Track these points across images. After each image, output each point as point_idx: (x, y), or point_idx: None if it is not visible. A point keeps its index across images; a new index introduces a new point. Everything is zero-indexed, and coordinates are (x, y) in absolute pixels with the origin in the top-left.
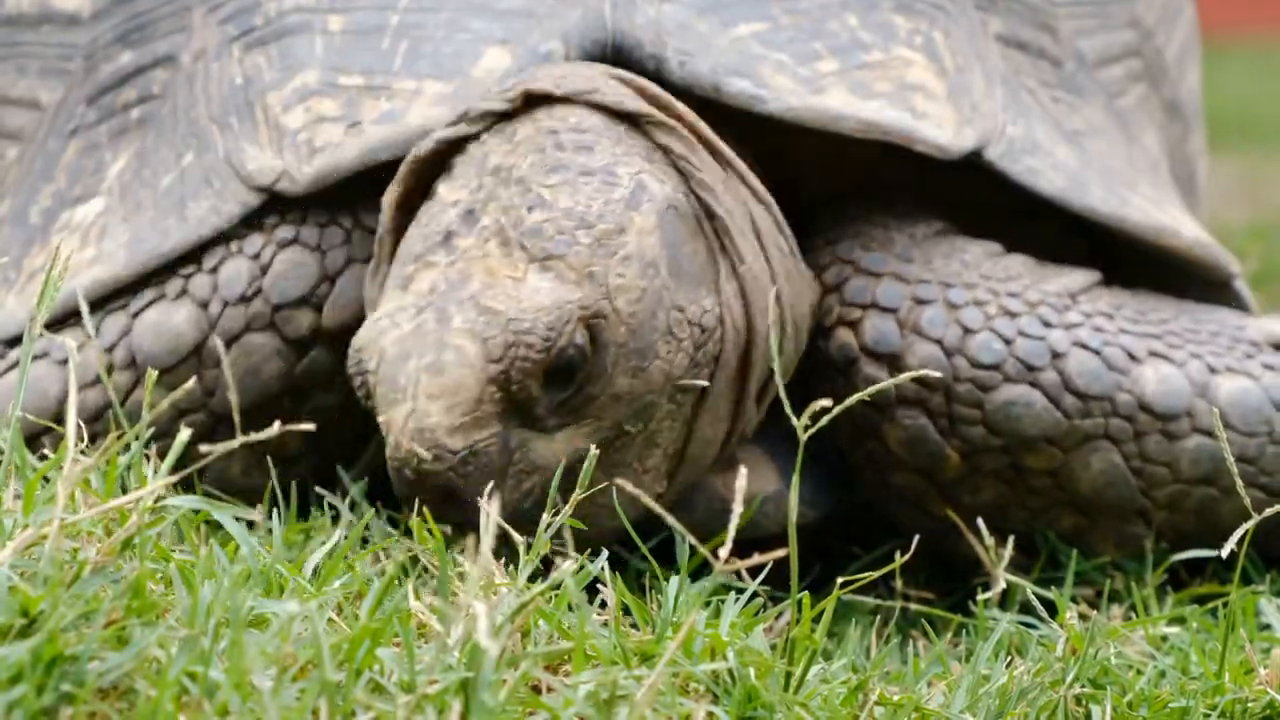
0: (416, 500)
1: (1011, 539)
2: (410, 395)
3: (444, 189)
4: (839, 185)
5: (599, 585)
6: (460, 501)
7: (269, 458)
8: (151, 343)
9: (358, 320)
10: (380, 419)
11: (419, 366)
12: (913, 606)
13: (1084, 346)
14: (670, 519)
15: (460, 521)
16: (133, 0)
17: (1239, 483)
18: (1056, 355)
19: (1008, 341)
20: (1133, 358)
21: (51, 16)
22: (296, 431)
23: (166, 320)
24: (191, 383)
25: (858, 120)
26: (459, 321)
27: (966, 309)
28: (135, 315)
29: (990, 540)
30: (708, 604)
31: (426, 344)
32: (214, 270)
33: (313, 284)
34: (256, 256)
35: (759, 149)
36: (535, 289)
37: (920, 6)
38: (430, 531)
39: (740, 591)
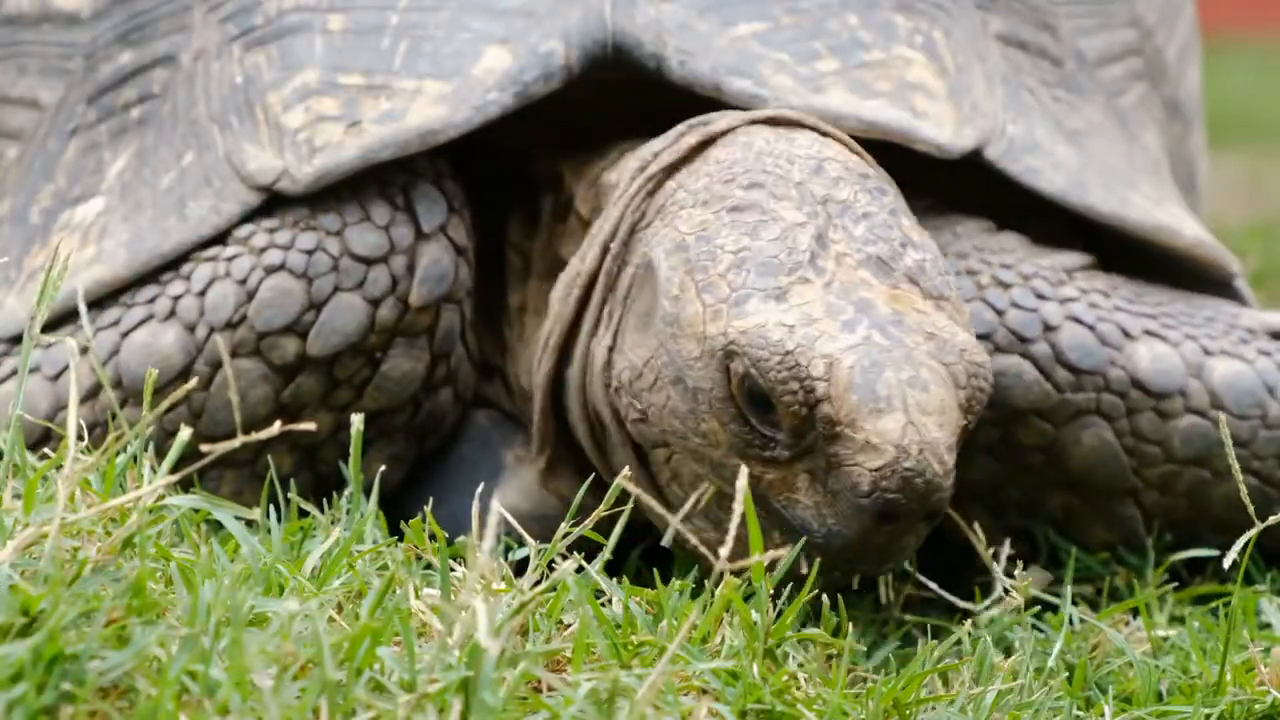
0: (865, 526)
1: (1007, 542)
2: (900, 408)
3: (778, 205)
4: None
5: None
6: (916, 529)
7: (261, 477)
8: (139, 364)
9: (342, 349)
10: (861, 428)
11: (900, 380)
12: (908, 618)
13: (1078, 321)
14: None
15: (897, 556)
16: (132, 0)
17: (1234, 464)
18: (1049, 328)
19: (999, 312)
20: (1127, 334)
21: (51, 16)
22: (288, 452)
23: (154, 342)
24: (186, 388)
25: (858, 119)
26: (912, 341)
27: (958, 278)
28: (125, 335)
29: (989, 547)
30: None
31: (896, 358)
32: (202, 294)
33: (298, 312)
34: (243, 282)
35: None
36: (950, 327)
37: (920, 6)
38: (432, 534)
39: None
